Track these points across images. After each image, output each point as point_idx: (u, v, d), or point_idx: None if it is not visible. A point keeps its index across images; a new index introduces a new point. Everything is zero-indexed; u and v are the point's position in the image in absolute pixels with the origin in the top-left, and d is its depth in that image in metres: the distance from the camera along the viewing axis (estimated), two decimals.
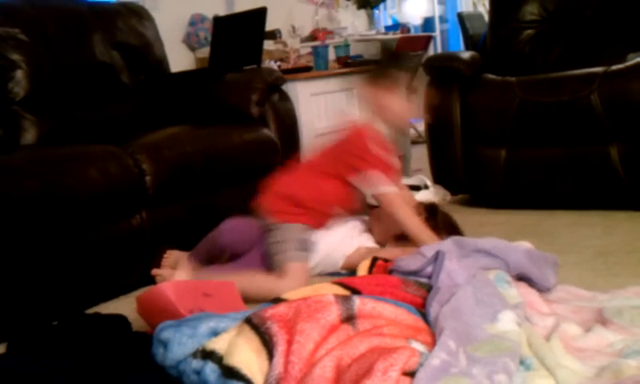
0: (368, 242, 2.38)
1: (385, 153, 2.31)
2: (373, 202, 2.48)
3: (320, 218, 2.34)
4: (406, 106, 2.34)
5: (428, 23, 6.59)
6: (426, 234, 2.20)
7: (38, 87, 2.78)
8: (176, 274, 2.29)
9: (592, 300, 1.73)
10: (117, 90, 3.11)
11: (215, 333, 1.44)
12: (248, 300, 1.99)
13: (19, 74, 2.74)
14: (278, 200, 2.32)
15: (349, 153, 2.29)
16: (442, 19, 7.05)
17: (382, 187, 2.26)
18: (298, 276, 2.18)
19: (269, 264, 2.26)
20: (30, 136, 2.72)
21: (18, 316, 2.03)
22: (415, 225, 2.23)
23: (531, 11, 3.42)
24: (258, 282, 2.18)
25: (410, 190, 2.60)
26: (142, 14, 3.36)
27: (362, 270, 2.05)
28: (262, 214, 2.33)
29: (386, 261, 2.03)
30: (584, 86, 2.74)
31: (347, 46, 4.51)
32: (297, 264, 2.21)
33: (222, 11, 4.37)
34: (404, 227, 2.24)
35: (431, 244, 1.97)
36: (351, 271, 2.23)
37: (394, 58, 2.42)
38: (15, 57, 2.73)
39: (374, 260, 2.07)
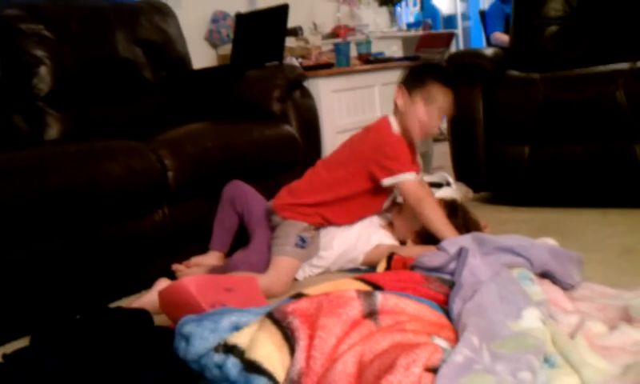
0: (386, 238, 2.37)
1: (407, 152, 2.32)
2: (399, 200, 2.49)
3: (332, 221, 2.36)
4: (426, 121, 2.31)
5: (450, 20, 6.56)
6: (448, 228, 2.18)
7: (61, 83, 2.80)
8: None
9: (617, 298, 1.71)
10: (139, 86, 3.12)
11: (237, 327, 1.44)
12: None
13: (43, 70, 2.76)
14: (288, 196, 2.37)
15: (379, 154, 2.29)
16: (464, 16, 7.00)
17: (408, 175, 2.27)
18: (283, 270, 2.22)
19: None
20: (53, 131, 2.75)
21: (41, 310, 2.04)
22: (439, 218, 2.22)
23: (555, 7, 3.38)
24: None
25: (430, 187, 2.59)
26: (164, 11, 3.37)
27: (382, 267, 2.04)
28: (271, 210, 2.37)
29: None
30: (609, 83, 2.71)
31: (369, 42, 4.49)
32: (286, 258, 2.24)
33: (244, 8, 4.37)
34: (426, 219, 2.23)
35: (452, 238, 1.96)
36: (371, 267, 2.23)
37: (435, 69, 2.38)
38: (39, 53, 2.76)
39: (391, 255, 2.06)
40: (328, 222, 2.35)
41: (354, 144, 2.40)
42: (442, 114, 2.35)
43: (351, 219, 2.38)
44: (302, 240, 2.26)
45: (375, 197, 2.37)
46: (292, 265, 2.25)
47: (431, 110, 2.30)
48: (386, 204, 2.42)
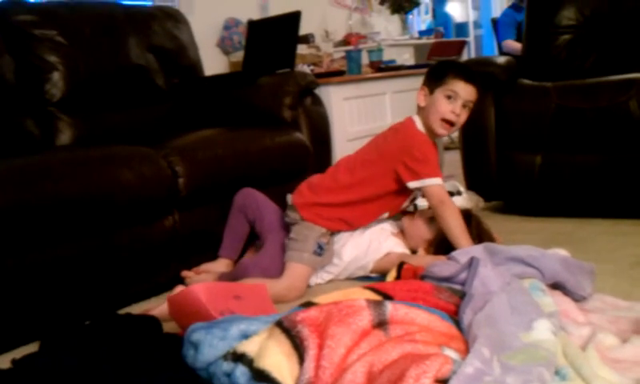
0: (397, 246, 2.36)
1: (435, 154, 2.32)
2: (410, 208, 2.48)
3: (352, 222, 2.34)
4: (448, 116, 2.29)
5: (462, 28, 6.56)
6: (465, 236, 2.17)
7: (74, 89, 2.81)
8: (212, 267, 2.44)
9: (629, 310, 1.70)
10: (151, 93, 3.13)
11: (246, 335, 1.44)
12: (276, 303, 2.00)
13: (56, 75, 2.77)
14: (309, 193, 2.35)
15: (407, 155, 2.27)
16: (476, 25, 6.99)
17: (435, 180, 2.25)
18: (298, 278, 2.21)
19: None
20: (65, 137, 2.76)
21: (51, 315, 2.04)
22: (458, 225, 2.20)
23: (568, 16, 3.36)
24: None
25: None
26: (177, 18, 3.39)
27: (392, 276, 2.03)
28: (291, 206, 2.35)
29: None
30: (622, 92, 2.69)
31: (380, 50, 4.51)
32: (302, 266, 2.23)
33: (256, 15, 4.39)
34: (445, 223, 2.22)
35: (463, 249, 1.95)
36: (381, 276, 2.22)
37: (455, 66, 2.39)
38: (52, 59, 2.77)
39: (401, 264, 2.05)
40: (347, 225, 2.34)
41: (380, 144, 2.38)
42: (466, 108, 2.32)
43: (370, 219, 2.38)
44: (320, 247, 2.25)
45: (397, 197, 2.36)
46: (307, 272, 2.24)
47: (453, 105, 2.28)
48: (406, 204, 2.42)
